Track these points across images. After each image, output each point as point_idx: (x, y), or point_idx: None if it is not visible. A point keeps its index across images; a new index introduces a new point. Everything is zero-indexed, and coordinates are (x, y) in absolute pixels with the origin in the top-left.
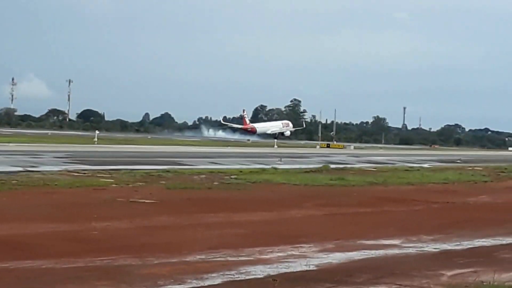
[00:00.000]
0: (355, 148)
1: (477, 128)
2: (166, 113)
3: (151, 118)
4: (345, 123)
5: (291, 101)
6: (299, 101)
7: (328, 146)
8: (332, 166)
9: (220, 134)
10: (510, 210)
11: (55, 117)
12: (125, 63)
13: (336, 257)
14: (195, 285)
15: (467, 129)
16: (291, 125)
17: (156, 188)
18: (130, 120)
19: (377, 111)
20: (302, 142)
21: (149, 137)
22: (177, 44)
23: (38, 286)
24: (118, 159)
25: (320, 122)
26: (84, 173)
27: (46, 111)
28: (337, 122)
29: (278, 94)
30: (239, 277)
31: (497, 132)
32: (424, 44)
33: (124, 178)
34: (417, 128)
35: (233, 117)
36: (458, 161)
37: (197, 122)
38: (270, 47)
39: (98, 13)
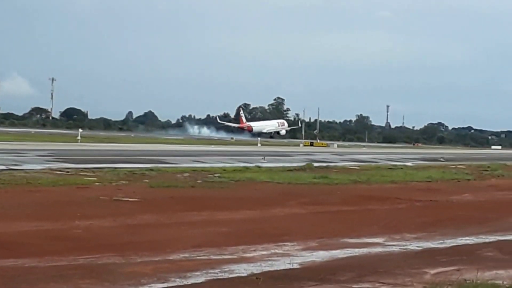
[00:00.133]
0: (338, 146)
1: (460, 126)
2: (150, 112)
3: (134, 116)
4: (328, 122)
5: (275, 99)
6: (283, 100)
7: (311, 144)
8: (316, 164)
9: (205, 131)
10: (493, 208)
11: (38, 116)
12: (109, 62)
13: (320, 256)
14: (179, 284)
15: (450, 128)
16: (286, 124)
17: (139, 186)
18: (114, 119)
19: (360, 110)
20: (286, 140)
21: (132, 135)
22: (161, 42)
23: (21, 285)
24: (102, 157)
25: (303, 120)
26: (68, 172)
27: (29, 109)
28: (320, 121)
29: (262, 93)
30: (222, 275)
31: (480, 131)
32: (407, 42)
33: (107, 177)
34: (401, 127)
35: (217, 116)
36: (441, 160)
37: (181, 121)
38: (253, 46)
39: (82, 11)
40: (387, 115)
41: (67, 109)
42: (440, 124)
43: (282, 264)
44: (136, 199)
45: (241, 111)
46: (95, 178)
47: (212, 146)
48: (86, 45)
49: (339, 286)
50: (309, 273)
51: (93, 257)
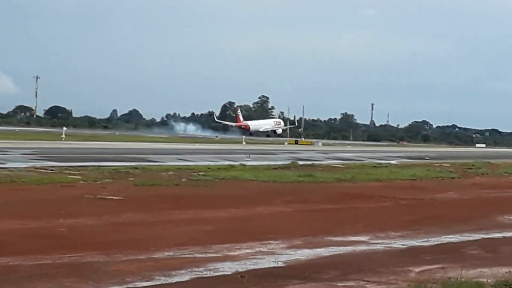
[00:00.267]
0: (323, 144)
1: (445, 124)
2: (134, 110)
3: (119, 114)
4: (313, 120)
5: (259, 97)
6: (267, 98)
7: (296, 142)
8: (301, 162)
9: (190, 129)
10: (477, 206)
11: (22, 114)
12: (93, 60)
13: (304, 254)
14: (163, 282)
15: (434, 126)
16: (282, 123)
17: (124, 184)
18: (98, 117)
19: (345, 108)
20: (270, 138)
21: (117, 133)
22: (145, 40)
23: (5, 284)
24: (86, 155)
25: (288, 118)
26: (52, 170)
27: (13, 107)
28: (305, 119)
29: (246, 91)
30: (207, 273)
31: (465, 129)
32: (391, 40)
33: (92, 175)
34: (385, 125)
35: (202, 114)
36: (426, 158)
37: (165, 119)
38: (238, 44)
39: (66, 8)
40: (372, 113)
41: (52, 107)
42: (424, 122)
43: (267, 262)
44: (120, 198)
45: (238, 110)
46: (80, 177)
47: (197, 144)
48: (71, 43)
49: (324, 284)
50: (293, 271)
51: (77, 256)
